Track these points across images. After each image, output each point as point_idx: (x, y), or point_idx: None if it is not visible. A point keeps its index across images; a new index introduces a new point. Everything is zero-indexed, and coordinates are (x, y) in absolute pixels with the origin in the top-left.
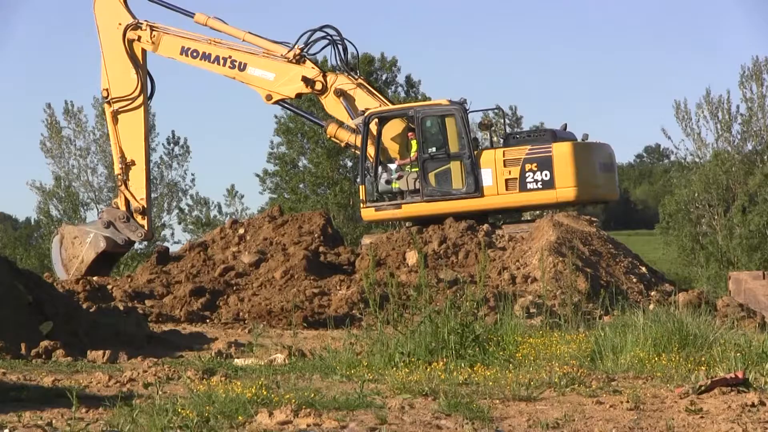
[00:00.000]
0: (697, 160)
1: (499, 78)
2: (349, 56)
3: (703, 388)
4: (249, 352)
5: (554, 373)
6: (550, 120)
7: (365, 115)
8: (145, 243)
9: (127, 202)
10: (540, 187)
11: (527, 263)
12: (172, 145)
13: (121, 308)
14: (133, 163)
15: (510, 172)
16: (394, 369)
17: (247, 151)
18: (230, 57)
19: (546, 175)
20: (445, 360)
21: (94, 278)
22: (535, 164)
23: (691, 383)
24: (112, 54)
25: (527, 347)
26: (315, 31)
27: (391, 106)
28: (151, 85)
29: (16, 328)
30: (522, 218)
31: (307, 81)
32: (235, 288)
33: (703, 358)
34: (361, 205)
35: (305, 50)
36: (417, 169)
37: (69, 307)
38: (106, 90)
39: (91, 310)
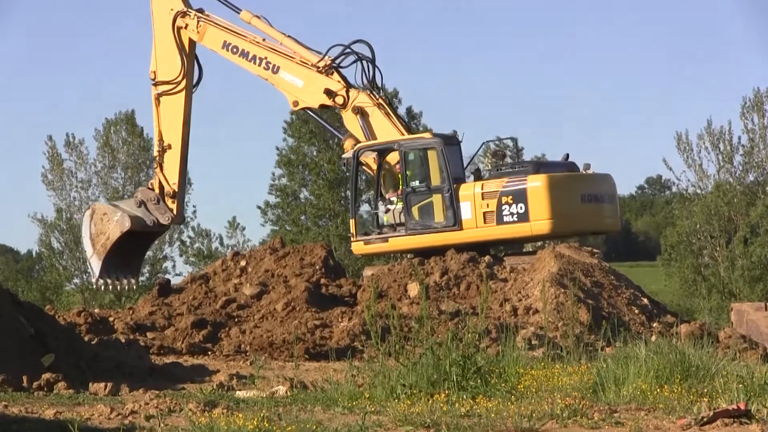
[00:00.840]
0: (698, 191)
1: (500, 109)
2: (377, 75)
3: (705, 419)
4: (251, 384)
5: (556, 405)
6: (551, 150)
7: (355, 149)
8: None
9: (161, 185)
10: (515, 220)
11: (529, 295)
12: None
13: (123, 340)
14: (169, 147)
15: (488, 204)
16: (396, 401)
17: (248, 183)
18: (266, 58)
19: (521, 208)
20: (447, 392)
21: (96, 310)
22: (510, 197)
23: (693, 415)
24: (161, 38)
25: (529, 379)
26: (347, 46)
27: (379, 140)
28: (199, 74)
29: (18, 361)
30: (523, 250)
31: (330, 93)
32: (236, 320)
33: (705, 390)
34: (352, 238)
35: (336, 62)
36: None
37: (70, 339)
38: (154, 72)
39: (92, 342)
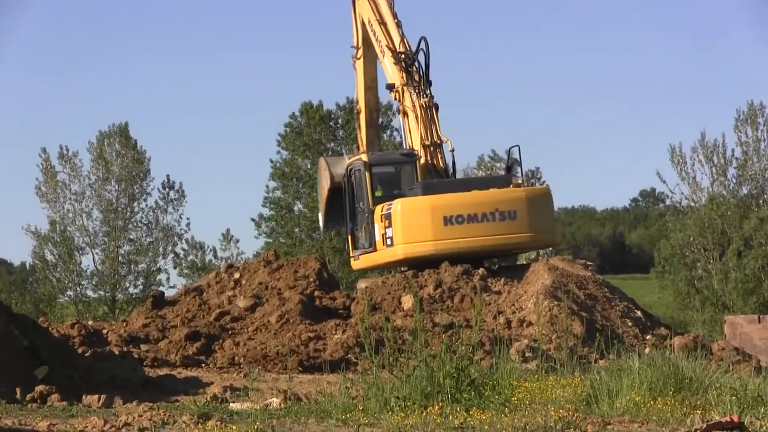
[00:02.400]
0: (692, 204)
1: (495, 121)
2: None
3: (698, 431)
4: (244, 397)
5: (550, 417)
6: (544, 164)
7: (347, 167)
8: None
9: (359, 144)
10: (390, 243)
11: (523, 307)
12: (167, 189)
13: (117, 353)
14: (360, 109)
15: (383, 227)
16: (390, 413)
17: (242, 195)
18: (381, 41)
19: (391, 232)
20: (440, 404)
21: (89, 323)
22: (387, 221)
23: (686, 427)
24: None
25: (523, 391)
26: (418, 45)
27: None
28: None
29: (11, 373)
30: (517, 262)
31: (390, 88)
32: (230, 332)
33: (698, 402)
34: (350, 254)
35: (401, 58)
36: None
37: (64, 351)
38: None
39: (86, 355)
